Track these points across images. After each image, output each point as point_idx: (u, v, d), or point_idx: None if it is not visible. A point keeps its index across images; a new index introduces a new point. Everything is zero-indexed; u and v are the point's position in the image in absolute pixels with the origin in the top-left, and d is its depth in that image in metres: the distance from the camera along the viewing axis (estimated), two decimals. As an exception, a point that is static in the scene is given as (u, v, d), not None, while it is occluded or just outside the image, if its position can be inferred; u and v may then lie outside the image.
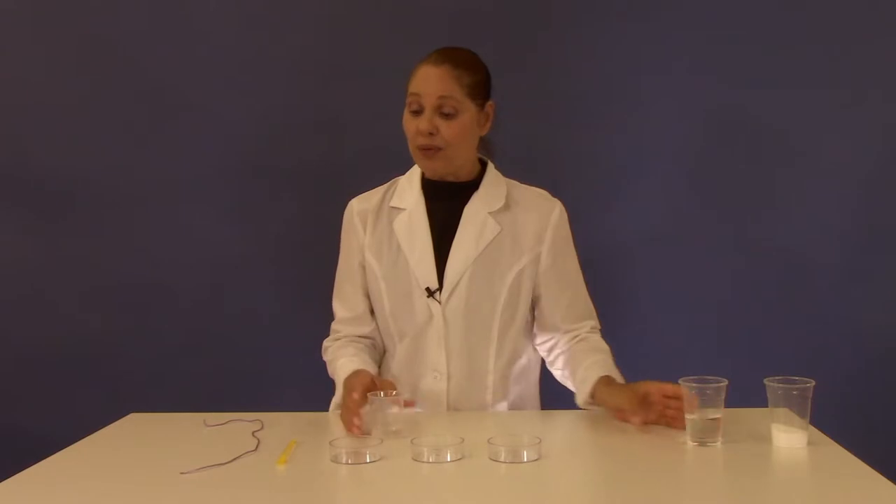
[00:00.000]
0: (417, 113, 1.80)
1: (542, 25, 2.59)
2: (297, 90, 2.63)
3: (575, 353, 1.86)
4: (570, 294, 1.91)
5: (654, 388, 1.60)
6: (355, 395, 1.62)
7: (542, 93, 2.58)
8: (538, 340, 1.94)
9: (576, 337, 1.89)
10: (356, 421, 1.59)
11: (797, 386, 1.51)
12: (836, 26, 2.56)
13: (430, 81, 1.79)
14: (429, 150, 1.81)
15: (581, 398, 1.76)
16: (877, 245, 2.59)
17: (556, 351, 1.91)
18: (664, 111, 2.59)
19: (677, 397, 1.57)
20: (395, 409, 1.64)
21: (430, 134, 1.79)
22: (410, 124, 1.82)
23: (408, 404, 1.71)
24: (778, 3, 2.57)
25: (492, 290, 1.84)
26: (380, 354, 1.94)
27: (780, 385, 1.51)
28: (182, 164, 2.65)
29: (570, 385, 1.87)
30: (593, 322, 1.93)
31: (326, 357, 1.93)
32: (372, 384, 1.66)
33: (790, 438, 1.51)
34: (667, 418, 1.62)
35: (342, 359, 1.83)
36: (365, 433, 1.59)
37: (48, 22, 2.65)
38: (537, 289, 1.89)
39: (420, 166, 1.89)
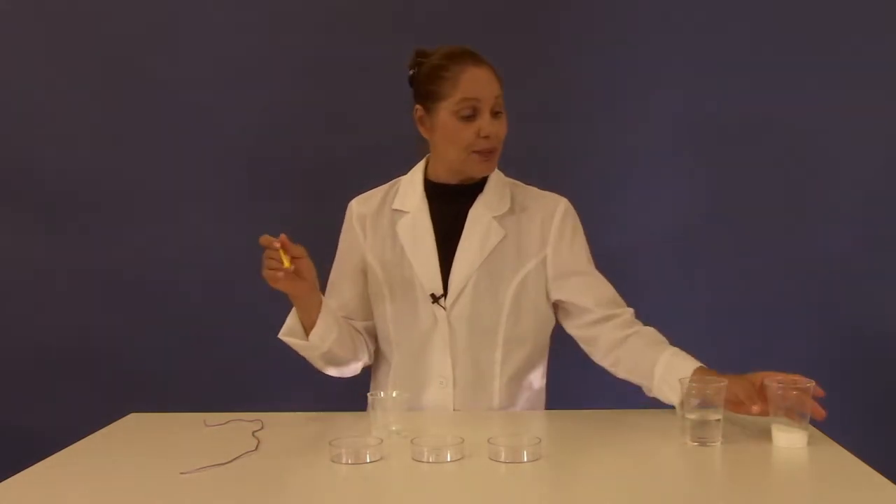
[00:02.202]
0: (471, 119, 1.78)
1: (545, 24, 2.59)
2: (298, 89, 2.62)
3: (638, 346, 1.77)
4: (591, 279, 1.85)
5: (769, 377, 1.53)
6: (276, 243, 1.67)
7: (545, 93, 2.58)
8: (578, 334, 1.86)
9: (622, 324, 1.80)
10: (278, 266, 1.66)
11: (797, 386, 1.50)
12: (846, 25, 2.56)
13: (483, 83, 1.78)
14: (487, 154, 1.79)
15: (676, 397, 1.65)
16: (880, 246, 2.59)
17: (605, 342, 1.80)
18: (668, 112, 2.59)
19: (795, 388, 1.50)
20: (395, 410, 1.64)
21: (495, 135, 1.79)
22: (467, 131, 1.78)
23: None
24: (785, 2, 2.56)
25: (496, 295, 1.82)
26: (358, 340, 1.89)
27: (780, 385, 1.51)
28: (182, 163, 2.65)
29: (636, 380, 1.78)
30: (631, 309, 1.85)
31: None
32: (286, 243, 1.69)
33: (790, 438, 1.50)
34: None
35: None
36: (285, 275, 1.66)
37: (49, 23, 2.65)
38: (556, 292, 1.85)
39: (473, 171, 1.83)
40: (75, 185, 2.66)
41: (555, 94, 2.60)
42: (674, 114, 2.59)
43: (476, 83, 1.77)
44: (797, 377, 1.52)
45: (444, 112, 1.79)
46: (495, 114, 1.79)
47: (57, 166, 2.66)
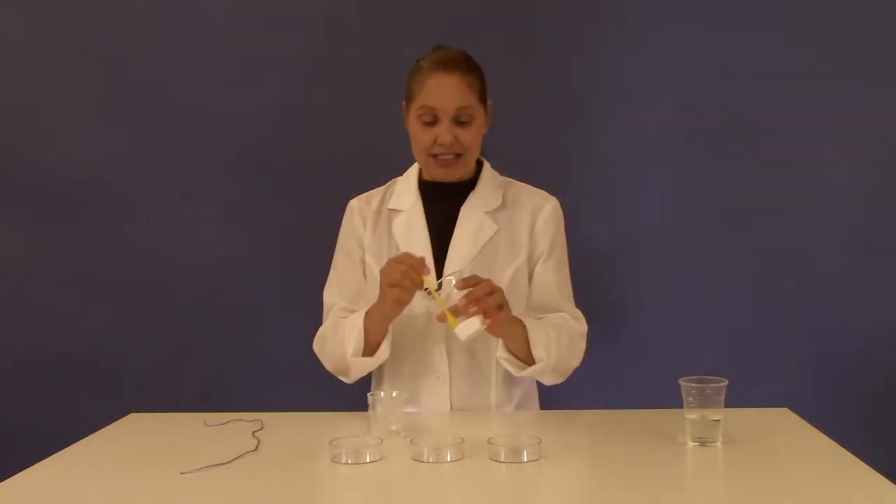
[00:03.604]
0: (431, 124, 1.80)
1: (540, 23, 2.59)
2: (297, 89, 2.62)
3: None
4: (548, 276, 1.87)
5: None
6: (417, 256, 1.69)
7: (540, 91, 2.58)
8: None
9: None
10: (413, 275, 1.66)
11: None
12: (842, 24, 2.55)
13: (445, 93, 1.79)
14: (446, 159, 1.82)
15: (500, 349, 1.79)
16: (880, 246, 2.59)
17: None
18: (663, 110, 2.58)
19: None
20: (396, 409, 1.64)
21: (451, 144, 1.80)
22: (425, 135, 1.81)
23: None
24: (780, 0, 2.57)
25: None
26: None
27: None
28: (182, 163, 2.65)
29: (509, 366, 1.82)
30: (563, 314, 1.86)
31: (326, 335, 1.86)
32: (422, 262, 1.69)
33: (466, 325, 1.63)
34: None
35: (352, 316, 1.81)
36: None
37: (48, 21, 2.65)
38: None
39: (433, 175, 1.87)
40: (75, 185, 2.66)
41: (554, 94, 2.59)
42: (672, 113, 2.58)
43: (437, 91, 1.79)
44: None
45: (412, 114, 1.84)
46: (461, 123, 1.80)
47: (57, 166, 2.66)
